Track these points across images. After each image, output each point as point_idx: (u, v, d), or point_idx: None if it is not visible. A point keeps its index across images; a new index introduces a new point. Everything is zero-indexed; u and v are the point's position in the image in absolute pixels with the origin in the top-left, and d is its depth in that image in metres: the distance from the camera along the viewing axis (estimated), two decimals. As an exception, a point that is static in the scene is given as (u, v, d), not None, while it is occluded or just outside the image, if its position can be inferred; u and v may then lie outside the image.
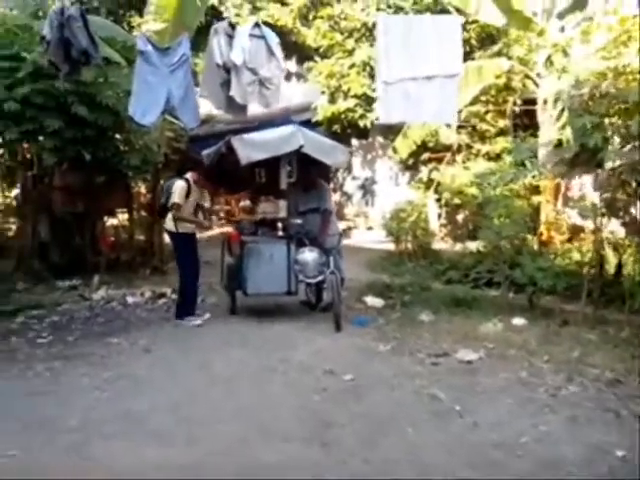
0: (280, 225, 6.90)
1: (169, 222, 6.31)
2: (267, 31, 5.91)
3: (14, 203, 13.48)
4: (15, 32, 7.23)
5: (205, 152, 6.63)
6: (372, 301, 7.15)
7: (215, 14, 13.26)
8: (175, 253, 6.47)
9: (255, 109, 7.07)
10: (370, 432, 3.77)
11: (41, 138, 7.16)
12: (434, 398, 4.27)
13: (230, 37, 5.48)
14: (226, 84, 5.25)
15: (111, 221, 10.71)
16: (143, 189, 11.27)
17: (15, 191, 13.63)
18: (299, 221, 6.59)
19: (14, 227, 11.30)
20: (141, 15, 11.29)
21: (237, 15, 15.10)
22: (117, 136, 8.03)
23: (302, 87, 16.12)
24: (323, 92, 14.15)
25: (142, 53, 4.97)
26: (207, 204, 6.73)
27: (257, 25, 5.92)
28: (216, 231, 9.02)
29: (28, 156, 8.73)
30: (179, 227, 6.28)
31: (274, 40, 5.85)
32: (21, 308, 6.61)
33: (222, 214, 8.10)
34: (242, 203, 12.80)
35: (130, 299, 7.26)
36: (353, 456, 3.46)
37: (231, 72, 5.18)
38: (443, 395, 4.31)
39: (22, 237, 8.60)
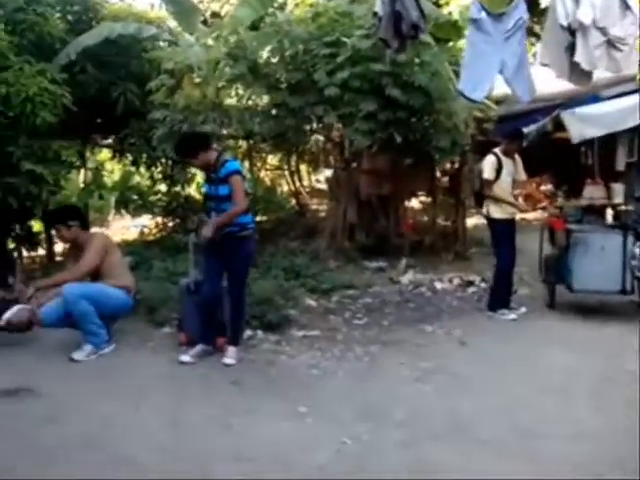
0: (611, 212, 6.01)
1: (486, 207, 5.90)
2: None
3: (317, 186, 14.51)
4: (335, 19, 7.41)
5: (526, 130, 6.02)
6: None
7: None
8: (492, 240, 6.02)
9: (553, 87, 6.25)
10: None
11: (356, 122, 7.25)
12: None
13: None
14: (570, 48, 4.60)
15: (411, 204, 10.72)
16: (441, 173, 11.07)
17: (320, 175, 14.68)
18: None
19: (321, 208, 12.07)
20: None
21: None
22: (427, 117, 7.82)
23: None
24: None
25: (474, 21, 4.59)
26: (524, 177, 6.08)
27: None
28: (531, 215, 8.32)
29: (339, 140, 9.06)
30: (495, 212, 5.83)
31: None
32: (335, 287, 6.81)
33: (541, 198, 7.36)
34: (544, 187, 11.85)
35: (438, 285, 7.04)
36: None
37: (576, 34, 4.52)
38: None
39: (333, 218, 8.95)
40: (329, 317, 5.91)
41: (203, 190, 5.08)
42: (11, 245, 8.05)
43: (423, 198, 10.39)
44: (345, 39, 7.05)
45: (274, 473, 3.11)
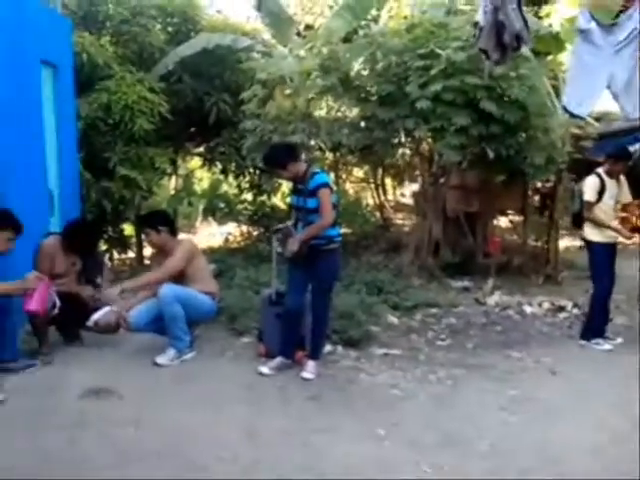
0: None
1: (585, 229, 5.57)
2: None
3: (402, 200, 14.32)
4: (431, 31, 7.27)
5: (631, 148, 5.65)
6: None
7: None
8: (590, 264, 5.66)
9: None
10: None
11: (447, 135, 7.06)
12: None
13: None
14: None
15: (500, 222, 10.36)
16: (532, 191, 10.65)
17: (405, 189, 14.49)
18: None
19: (406, 223, 11.88)
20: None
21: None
22: (522, 133, 7.52)
23: None
24: None
25: (582, 32, 4.34)
26: (629, 199, 5.67)
27: None
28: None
29: (428, 154, 8.88)
30: (594, 235, 5.50)
31: None
32: (418, 305, 6.63)
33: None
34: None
35: (527, 309, 6.71)
36: None
37: None
38: None
39: (418, 233, 8.76)
40: (411, 336, 5.73)
41: (290, 201, 5.04)
42: (103, 247, 8.34)
43: (513, 217, 9.99)
44: (440, 51, 6.89)
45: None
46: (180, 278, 4.83)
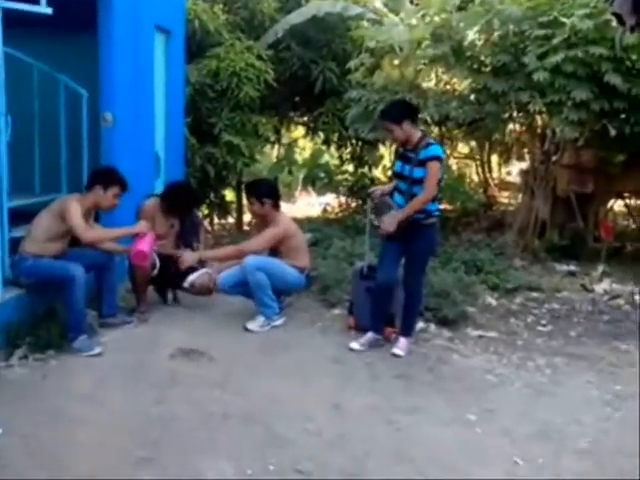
0: None
1: None
2: None
3: (507, 178, 13.72)
4: (556, -2, 6.78)
5: None
6: None
7: None
8: None
9: None
10: None
11: (565, 110, 6.61)
12: None
13: None
14: None
15: (616, 206, 9.68)
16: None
17: (509, 167, 13.87)
18: None
19: (511, 202, 11.38)
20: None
21: None
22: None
23: None
24: None
25: None
26: None
27: None
28: None
29: (540, 130, 8.40)
30: None
31: None
32: (519, 287, 6.31)
33: None
34: None
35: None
36: None
37: None
38: None
39: (524, 213, 8.35)
40: (509, 319, 5.46)
41: (394, 168, 4.79)
42: (205, 212, 8.55)
43: (631, 201, 9.31)
44: (564, 19, 6.42)
45: (435, 482, 2.87)
46: (274, 251, 4.84)
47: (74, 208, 4.19)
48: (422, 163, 4.14)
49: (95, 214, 4.59)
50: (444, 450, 3.16)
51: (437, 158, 4.15)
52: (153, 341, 4.30)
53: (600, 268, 7.16)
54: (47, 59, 5.27)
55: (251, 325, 4.67)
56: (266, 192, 4.91)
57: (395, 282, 4.45)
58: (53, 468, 2.75)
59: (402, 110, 4.32)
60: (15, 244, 4.20)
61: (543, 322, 5.47)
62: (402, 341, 4.42)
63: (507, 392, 3.93)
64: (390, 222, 4.22)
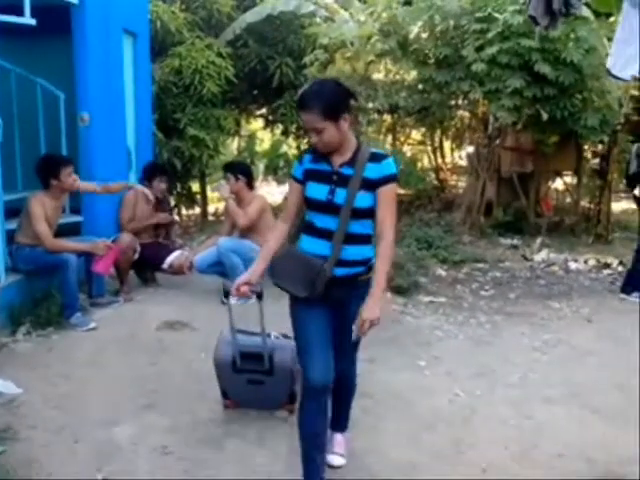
0: None
1: (638, 189, 5.81)
2: None
3: (460, 162, 14.46)
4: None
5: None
6: None
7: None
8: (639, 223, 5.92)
9: None
10: None
11: (501, 98, 7.29)
12: None
13: None
14: None
15: (555, 184, 10.46)
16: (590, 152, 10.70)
17: (463, 151, 14.61)
18: None
19: (461, 184, 12.09)
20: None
21: None
22: (577, 95, 7.65)
23: None
24: None
25: (628, -4, 4.49)
26: None
27: None
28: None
29: (483, 116, 9.08)
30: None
31: None
32: (466, 259, 6.99)
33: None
34: None
35: (572, 265, 6.98)
36: None
37: None
38: None
39: (471, 193, 9.04)
40: (456, 287, 6.13)
41: (309, 193, 2.66)
42: (172, 203, 8.99)
43: (568, 179, 10.10)
44: (497, 15, 7.08)
45: (393, 410, 3.47)
46: (249, 229, 5.36)
47: (37, 212, 4.55)
48: (371, 185, 2.56)
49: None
50: (398, 388, 3.76)
51: (395, 179, 2.62)
52: (140, 316, 4.79)
53: (539, 240, 7.91)
54: (25, 64, 5.67)
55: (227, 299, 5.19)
56: (241, 170, 5.49)
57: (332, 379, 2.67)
58: (70, 413, 3.26)
59: (343, 98, 2.57)
60: (9, 235, 4.63)
61: (486, 288, 6.16)
62: (340, 440, 3.03)
63: (452, 343, 4.58)
64: (372, 317, 2.51)
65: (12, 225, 4.79)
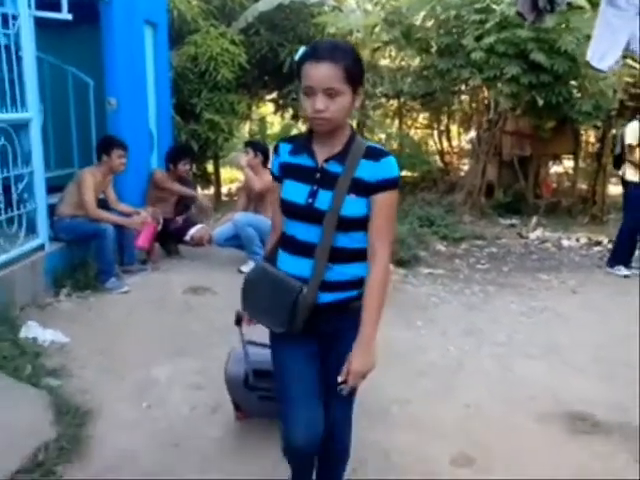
0: None
1: (623, 169, 6.24)
2: None
3: (467, 147, 14.87)
4: (487, -15, 7.85)
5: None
6: None
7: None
8: (623, 202, 6.38)
9: None
10: None
11: (499, 84, 7.73)
12: None
13: None
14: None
15: (555, 167, 10.90)
16: (592, 137, 11.13)
17: (469, 135, 15.01)
18: None
19: (466, 167, 12.53)
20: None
21: None
22: (572, 82, 8.08)
23: None
24: None
25: (607, -6, 4.91)
26: None
27: None
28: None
29: (485, 102, 9.52)
30: (631, 175, 6.13)
31: None
32: (465, 237, 7.47)
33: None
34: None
35: (565, 242, 7.46)
36: None
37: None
38: None
39: (472, 176, 9.49)
40: (455, 260, 6.63)
41: (285, 195, 2.07)
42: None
43: (568, 162, 10.54)
44: (495, 6, 7.51)
45: (392, 362, 3.95)
46: (260, 203, 5.86)
47: (87, 182, 5.13)
48: (364, 189, 1.96)
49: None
50: (397, 344, 4.24)
51: (395, 184, 1.98)
52: (166, 282, 5.31)
53: (534, 219, 8.38)
54: (57, 54, 6.16)
55: (244, 268, 5.69)
56: (260, 148, 6.00)
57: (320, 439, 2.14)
58: (113, 357, 3.79)
59: (361, 65, 1.96)
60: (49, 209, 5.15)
61: (482, 262, 6.65)
62: None
63: (446, 308, 5.09)
64: (362, 369, 2.03)
65: (53, 200, 5.31)
